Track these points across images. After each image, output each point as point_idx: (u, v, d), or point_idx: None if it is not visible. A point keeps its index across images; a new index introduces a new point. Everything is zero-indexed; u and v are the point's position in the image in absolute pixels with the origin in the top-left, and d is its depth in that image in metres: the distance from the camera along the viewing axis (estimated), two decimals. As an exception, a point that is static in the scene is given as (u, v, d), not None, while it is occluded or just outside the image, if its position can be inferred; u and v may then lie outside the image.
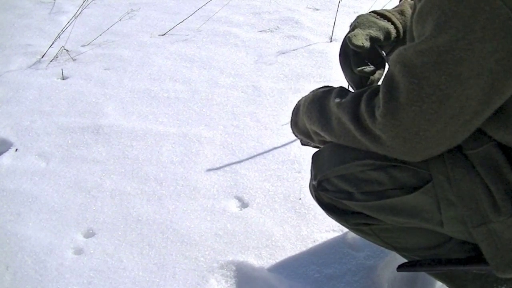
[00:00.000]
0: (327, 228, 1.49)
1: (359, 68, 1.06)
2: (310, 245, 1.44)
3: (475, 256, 1.02)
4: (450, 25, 0.75)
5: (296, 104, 1.18)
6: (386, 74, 0.85)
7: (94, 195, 1.65)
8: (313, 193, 1.10)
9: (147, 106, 2.16)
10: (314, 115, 1.03)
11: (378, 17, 1.12)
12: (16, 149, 1.89)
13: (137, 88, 2.31)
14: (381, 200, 0.97)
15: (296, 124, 1.15)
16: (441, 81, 0.77)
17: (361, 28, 1.07)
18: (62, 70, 2.47)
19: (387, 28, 1.10)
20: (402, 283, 1.36)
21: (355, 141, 0.93)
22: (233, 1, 3.33)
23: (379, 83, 0.95)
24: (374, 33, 1.07)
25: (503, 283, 1.11)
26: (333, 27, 2.83)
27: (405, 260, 1.14)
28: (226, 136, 1.94)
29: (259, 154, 1.83)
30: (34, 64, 2.58)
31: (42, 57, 2.63)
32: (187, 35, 2.88)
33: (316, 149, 1.18)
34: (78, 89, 2.31)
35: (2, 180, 1.73)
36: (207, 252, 1.41)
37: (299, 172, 1.73)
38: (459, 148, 0.89)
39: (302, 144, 1.25)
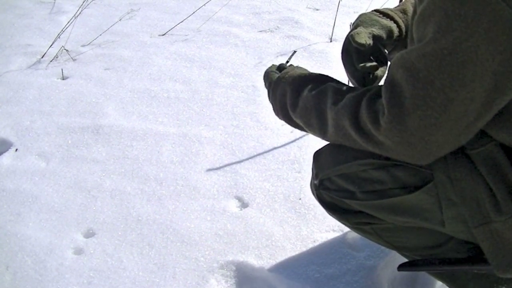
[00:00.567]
0: (327, 228, 1.49)
1: (362, 65, 1.06)
2: (310, 245, 1.44)
3: (476, 256, 1.01)
4: (453, 28, 0.74)
5: (270, 84, 1.11)
6: (387, 78, 0.85)
7: (94, 195, 1.65)
8: (315, 192, 1.10)
9: (147, 106, 2.16)
10: (313, 122, 1.00)
11: (381, 15, 1.11)
12: (16, 149, 1.89)
13: (137, 88, 2.31)
14: (383, 199, 0.97)
15: (290, 120, 1.09)
16: (445, 84, 0.77)
17: (363, 27, 1.07)
18: (62, 70, 2.47)
19: (390, 26, 1.09)
20: (402, 283, 1.36)
21: (356, 144, 0.93)
22: (233, 1, 3.33)
23: (382, 81, 0.94)
24: (377, 31, 1.07)
25: (503, 283, 1.11)
26: (333, 27, 2.83)
27: (406, 260, 1.14)
28: (226, 136, 1.94)
29: (259, 154, 1.83)
30: (34, 64, 2.58)
31: (42, 57, 2.63)
32: (187, 35, 2.88)
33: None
34: (78, 89, 2.31)
35: (2, 180, 1.73)
36: (207, 252, 1.41)
37: (299, 172, 1.73)
38: (461, 148, 0.89)
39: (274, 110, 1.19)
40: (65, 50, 2.65)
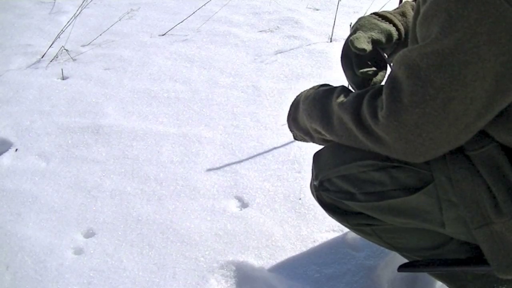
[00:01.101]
0: (327, 228, 1.49)
1: (361, 70, 1.06)
2: (310, 245, 1.44)
3: (476, 257, 1.01)
4: (455, 28, 0.74)
5: (296, 99, 1.17)
6: (389, 75, 0.85)
7: (94, 195, 1.65)
8: (315, 193, 1.10)
9: (147, 106, 2.16)
10: (315, 113, 1.02)
11: (380, 19, 1.12)
12: (16, 149, 1.89)
13: (137, 88, 2.31)
14: (382, 201, 0.97)
15: (295, 120, 1.14)
16: (445, 84, 0.77)
17: (362, 31, 1.07)
18: (62, 70, 2.47)
19: (389, 30, 1.10)
20: (402, 283, 1.36)
21: (357, 141, 0.93)
22: (233, 1, 3.33)
23: (382, 84, 0.95)
24: (376, 35, 1.07)
25: (503, 284, 1.11)
26: (333, 27, 2.83)
27: (406, 260, 1.14)
28: (226, 136, 1.94)
29: (259, 154, 1.83)
30: (34, 64, 2.58)
31: (42, 57, 2.63)
32: (187, 35, 2.88)
33: (311, 143, 1.18)
34: (78, 89, 2.31)
35: (2, 180, 1.73)
36: (207, 252, 1.41)
37: (299, 172, 1.73)
38: (461, 149, 0.89)
39: (295, 138, 1.24)
40: (65, 50, 2.65)
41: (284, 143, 1.88)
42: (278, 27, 2.98)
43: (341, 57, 1.11)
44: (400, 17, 1.14)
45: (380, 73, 1.08)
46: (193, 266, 1.37)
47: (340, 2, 2.97)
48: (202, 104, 2.16)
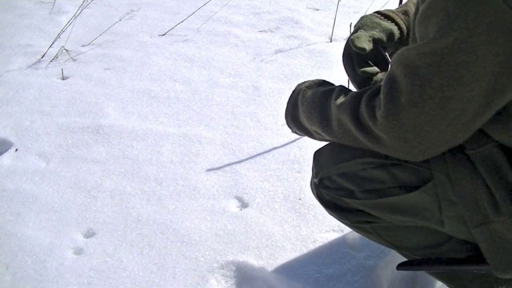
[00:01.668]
0: (327, 228, 1.49)
1: (362, 69, 1.06)
2: (310, 245, 1.44)
3: (475, 256, 1.02)
4: (453, 28, 0.75)
5: (292, 95, 1.14)
6: (387, 74, 0.85)
7: (94, 195, 1.65)
8: (314, 190, 1.10)
9: (147, 106, 2.16)
10: (314, 116, 1.02)
11: (382, 17, 1.12)
12: (16, 149, 1.89)
13: (137, 88, 2.31)
14: (382, 199, 0.97)
15: (296, 119, 1.12)
16: (443, 83, 0.77)
17: (364, 30, 1.07)
18: (62, 70, 2.47)
19: (391, 29, 1.10)
20: (402, 283, 1.36)
21: (356, 141, 0.93)
22: (233, 1, 3.33)
23: (380, 84, 0.95)
24: (377, 34, 1.07)
25: (503, 283, 1.11)
26: (333, 27, 2.83)
27: (405, 259, 1.14)
28: (226, 136, 1.94)
29: (259, 154, 1.83)
30: (34, 64, 2.58)
31: (42, 57, 2.63)
32: (187, 35, 2.88)
33: (311, 140, 1.18)
34: (78, 89, 2.31)
35: (2, 180, 1.73)
36: (207, 252, 1.41)
37: (299, 172, 1.73)
38: (460, 147, 0.89)
39: (292, 131, 1.22)
40: (65, 50, 2.65)
41: (284, 143, 1.88)
42: (278, 27, 2.98)
43: (343, 56, 1.11)
44: (402, 16, 1.14)
45: (382, 73, 1.08)
46: (193, 266, 1.37)
47: (340, 2, 2.98)
48: (202, 104, 2.16)
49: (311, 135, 1.10)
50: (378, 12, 1.13)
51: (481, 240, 0.91)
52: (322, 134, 1.02)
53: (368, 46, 1.03)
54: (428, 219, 0.97)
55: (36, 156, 1.85)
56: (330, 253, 1.41)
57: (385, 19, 1.11)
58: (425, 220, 0.98)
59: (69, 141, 1.93)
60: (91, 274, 1.35)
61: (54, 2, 3.44)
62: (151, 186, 1.68)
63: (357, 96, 0.92)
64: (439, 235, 1.04)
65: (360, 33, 1.05)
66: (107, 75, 2.43)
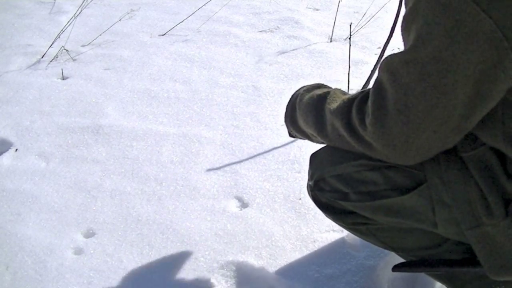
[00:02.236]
0: (327, 228, 1.49)
1: None
2: (310, 245, 1.44)
3: (471, 258, 1.02)
4: (433, 36, 0.74)
5: (291, 99, 1.15)
6: (375, 81, 0.85)
7: (94, 195, 1.64)
8: (310, 193, 1.10)
9: (147, 106, 2.16)
10: (310, 119, 1.03)
11: None
12: (16, 149, 1.89)
13: (137, 88, 2.31)
14: (376, 201, 0.97)
15: (295, 122, 1.13)
16: (426, 92, 0.77)
17: None
18: (62, 70, 2.47)
19: None
20: (402, 283, 1.36)
21: (350, 146, 0.93)
22: (233, 1, 3.33)
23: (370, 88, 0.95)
24: None
25: (501, 283, 1.11)
26: (333, 27, 2.83)
27: (401, 261, 1.14)
28: (226, 136, 1.94)
29: (259, 154, 1.83)
30: (34, 64, 2.58)
31: (42, 57, 2.63)
32: (187, 35, 2.88)
33: (307, 141, 1.18)
34: (78, 89, 2.31)
35: (2, 180, 1.73)
36: (207, 252, 1.41)
37: (299, 172, 1.73)
38: (454, 150, 0.89)
39: (290, 135, 1.24)
40: (65, 50, 2.65)
41: (284, 143, 1.88)
42: (278, 27, 2.98)
43: None
44: None
45: None
46: (193, 266, 1.37)
47: (340, 2, 2.98)
48: (202, 104, 2.16)
49: (309, 138, 1.11)
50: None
51: (475, 242, 0.91)
52: (318, 137, 1.03)
53: None
54: (422, 221, 0.97)
55: (36, 156, 1.85)
56: (330, 253, 1.40)
57: None
58: (419, 222, 0.98)
59: (69, 141, 1.93)
60: (91, 274, 1.35)
61: (54, 2, 3.44)
62: (151, 186, 1.68)
63: (349, 101, 0.92)
64: (435, 236, 1.04)
65: None
66: (107, 75, 2.43)
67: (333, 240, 1.45)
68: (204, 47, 2.71)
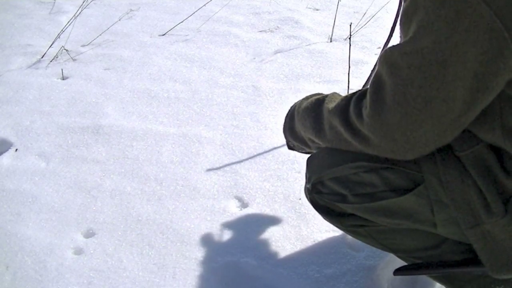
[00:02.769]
0: (327, 228, 1.49)
1: None
2: (310, 245, 1.44)
3: (472, 258, 1.02)
4: (433, 27, 0.74)
5: (290, 110, 1.18)
6: (374, 75, 0.85)
7: (94, 195, 1.64)
8: (308, 196, 1.11)
9: (147, 106, 2.16)
10: (308, 122, 1.03)
11: None
12: (16, 149, 1.89)
13: (137, 88, 2.31)
14: (374, 202, 0.97)
15: (292, 130, 1.15)
16: (425, 83, 0.77)
17: None
18: (62, 70, 2.47)
19: None
20: (402, 283, 1.36)
21: (346, 143, 0.93)
22: (233, 1, 3.33)
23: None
24: None
25: (500, 284, 1.11)
26: (333, 27, 2.83)
27: (404, 263, 1.14)
28: (226, 136, 1.94)
29: (259, 154, 1.83)
30: (34, 64, 2.58)
31: (42, 57, 2.63)
32: (187, 35, 2.88)
33: (301, 152, 1.19)
34: (78, 89, 2.31)
35: (2, 180, 1.73)
36: (207, 252, 1.41)
37: (299, 172, 1.73)
38: (450, 149, 0.89)
39: (289, 148, 1.27)
40: (65, 50, 2.65)
41: (284, 143, 1.88)
42: (278, 27, 2.98)
43: None
44: None
45: None
46: (193, 266, 1.37)
47: (340, 2, 2.98)
48: (202, 104, 2.16)
49: (307, 145, 1.11)
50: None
51: (475, 241, 0.91)
52: (315, 140, 1.03)
53: None
54: (421, 221, 0.97)
55: (36, 156, 1.85)
56: (330, 253, 1.40)
57: None
58: (418, 223, 0.98)
59: (69, 141, 1.93)
60: (91, 274, 1.35)
61: (54, 2, 3.44)
62: (151, 186, 1.68)
63: (347, 99, 0.93)
64: (434, 237, 1.04)
65: None
66: (107, 75, 2.43)
67: (333, 240, 1.45)
68: (204, 47, 2.71)
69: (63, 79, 2.42)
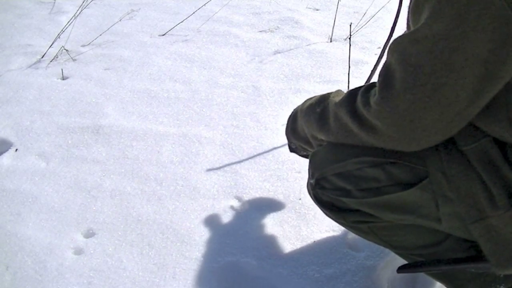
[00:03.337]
0: (327, 228, 1.49)
1: None
2: (310, 245, 1.44)
3: (474, 255, 1.02)
4: (444, 14, 0.75)
5: (292, 112, 1.20)
6: (383, 64, 0.86)
7: (94, 195, 1.65)
8: (311, 191, 1.11)
9: (147, 106, 2.16)
10: (312, 117, 1.04)
11: None
12: (16, 149, 1.89)
13: (137, 88, 2.31)
14: (379, 197, 0.97)
15: (294, 131, 1.17)
16: (435, 70, 0.78)
17: None
18: (62, 70, 2.47)
19: None
20: (402, 283, 1.36)
21: (352, 135, 0.93)
22: (233, 1, 3.34)
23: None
24: None
25: (501, 282, 1.11)
26: (333, 27, 2.83)
27: (405, 261, 1.14)
28: (226, 136, 1.94)
29: (259, 154, 1.83)
30: (34, 64, 2.58)
31: (42, 57, 2.63)
32: (187, 35, 2.88)
33: (302, 155, 1.20)
34: (78, 89, 2.31)
35: (2, 180, 1.73)
36: (207, 252, 1.41)
37: (299, 172, 1.73)
38: (455, 144, 0.89)
39: (291, 150, 1.27)
40: (65, 50, 2.65)
41: (284, 143, 1.88)
42: (278, 27, 2.98)
43: None
44: None
45: None
46: (193, 266, 1.37)
47: (340, 2, 2.98)
48: (202, 104, 2.16)
49: (309, 144, 1.11)
50: None
51: (479, 235, 0.91)
52: (319, 135, 1.03)
53: None
54: (425, 216, 0.97)
55: (36, 156, 1.85)
56: (330, 253, 1.41)
57: None
58: (422, 218, 0.98)
59: (69, 141, 1.93)
60: (91, 274, 1.35)
61: (54, 2, 3.44)
62: (151, 186, 1.68)
63: (354, 91, 0.94)
64: (436, 234, 1.04)
65: None
66: (107, 75, 2.43)
67: (333, 240, 1.45)
68: (204, 47, 2.71)
69: (63, 79, 2.42)
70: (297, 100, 2.05)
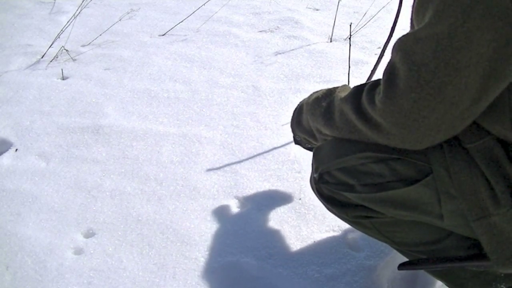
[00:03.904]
0: (327, 228, 1.49)
1: None
2: (310, 245, 1.44)
3: (476, 254, 1.02)
4: (449, 13, 0.75)
5: (298, 105, 1.20)
6: (388, 63, 0.86)
7: (94, 195, 1.64)
8: (314, 186, 1.11)
9: (147, 106, 2.16)
10: (318, 111, 1.04)
11: None
12: (16, 149, 1.89)
13: (137, 88, 2.31)
14: (382, 192, 0.97)
15: (299, 123, 1.16)
16: (439, 69, 0.78)
17: None
18: (62, 70, 2.47)
19: None
20: (402, 283, 1.36)
21: (356, 131, 0.94)
22: (233, 1, 3.34)
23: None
24: None
25: (502, 281, 1.11)
26: (333, 27, 2.83)
27: (406, 259, 1.14)
28: (226, 136, 1.94)
29: (259, 154, 1.83)
30: (34, 64, 2.58)
31: (42, 57, 2.63)
32: (187, 35, 2.88)
33: (306, 148, 1.19)
34: (78, 89, 2.31)
35: (2, 180, 1.73)
36: (207, 252, 1.42)
37: (299, 172, 1.73)
38: (459, 142, 0.90)
39: (295, 143, 1.27)
40: (65, 50, 2.65)
41: (284, 143, 1.88)
42: (278, 27, 2.98)
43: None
44: None
45: None
46: (193, 266, 1.37)
47: (340, 2, 2.98)
48: (202, 104, 2.16)
49: (314, 138, 1.11)
50: None
51: (481, 233, 0.91)
52: (324, 129, 1.03)
53: None
54: (428, 213, 0.97)
55: (36, 156, 1.85)
56: (330, 253, 1.41)
57: None
58: (425, 214, 0.98)
59: (69, 141, 1.93)
60: (91, 274, 1.35)
61: (54, 2, 3.44)
62: (151, 186, 1.68)
63: (360, 87, 0.94)
64: (438, 231, 1.05)
65: None
66: (107, 75, 2.43)
67: (333, 240, 1.45)
68: (204, 47, 2.71)
69: (63, 79, 2.42)
70: (297, 100, 2.05)
